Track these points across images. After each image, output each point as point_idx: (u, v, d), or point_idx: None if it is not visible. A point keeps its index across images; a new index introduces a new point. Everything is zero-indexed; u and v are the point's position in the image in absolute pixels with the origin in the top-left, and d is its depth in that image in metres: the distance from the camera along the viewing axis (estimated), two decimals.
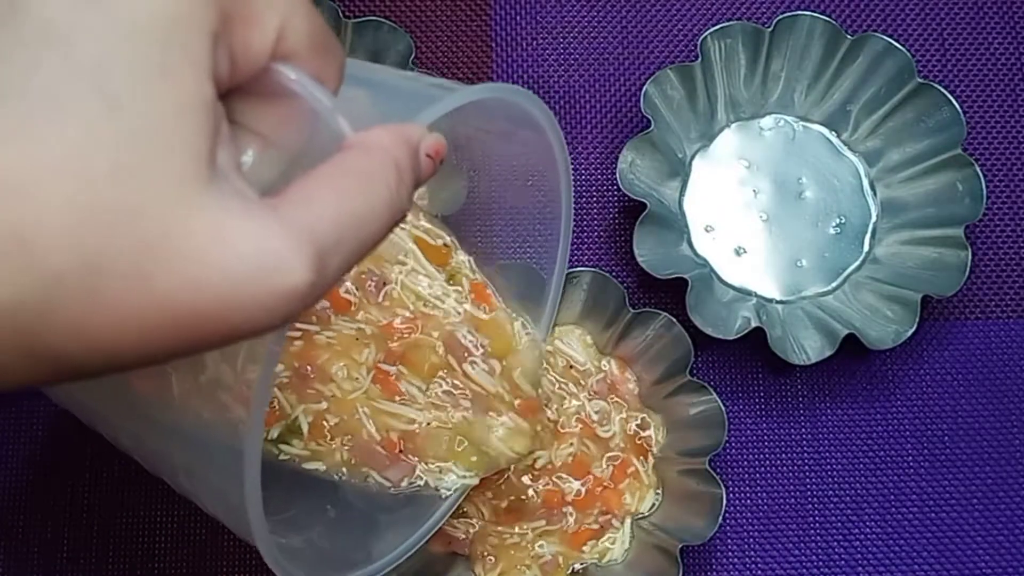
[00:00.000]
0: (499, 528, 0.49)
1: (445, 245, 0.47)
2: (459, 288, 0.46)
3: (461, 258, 0.47)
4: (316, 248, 0.23)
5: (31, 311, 0.21)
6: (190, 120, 0.22)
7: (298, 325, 0.42)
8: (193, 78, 0.22)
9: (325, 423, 0.41)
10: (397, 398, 0.43)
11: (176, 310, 0.22)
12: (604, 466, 0.50)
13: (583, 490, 0.49)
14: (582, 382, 0.51)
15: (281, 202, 0.23)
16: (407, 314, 0.44)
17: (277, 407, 0.41)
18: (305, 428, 0.41)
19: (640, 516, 0.49)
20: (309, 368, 0.41)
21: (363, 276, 0.44)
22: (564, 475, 0.49)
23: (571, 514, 0.49)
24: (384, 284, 0.44)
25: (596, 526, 0.49)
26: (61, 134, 0.21)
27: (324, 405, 0.42)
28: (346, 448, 0.42)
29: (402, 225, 0.43)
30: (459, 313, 0.45)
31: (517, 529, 0.49)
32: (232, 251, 0.22)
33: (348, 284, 0.43)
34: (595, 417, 0.50)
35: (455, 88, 0.34)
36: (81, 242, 0.21)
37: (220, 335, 0.23)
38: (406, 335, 0.44)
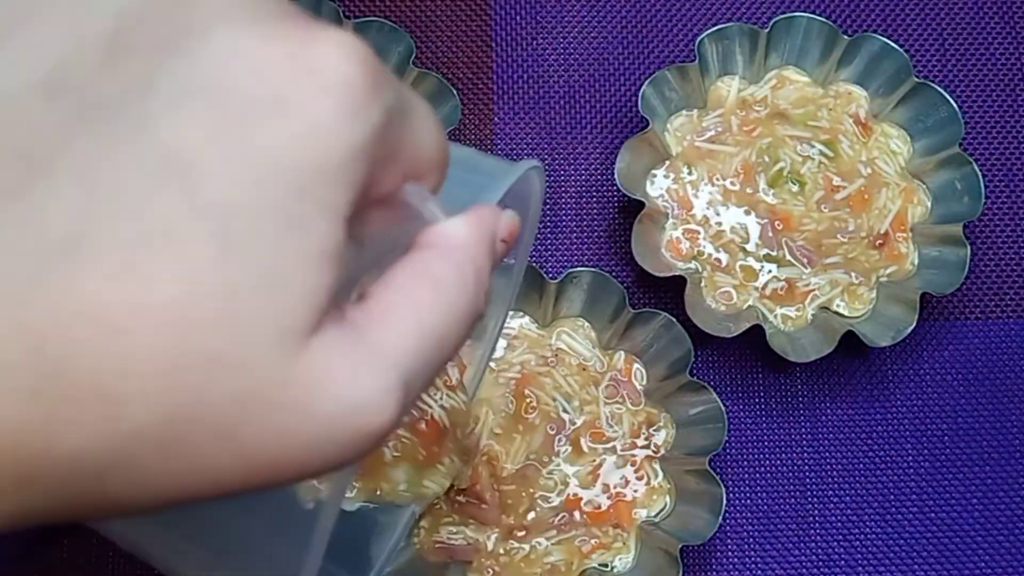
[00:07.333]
0: (509, 543, 0.49)
1: None
2: None
3: None
4: (404, 383, 0.21)
5: (98, 463, 0.19)
6: (314, 272, 0.20)
7: None
8: (326, 228, 0.20)
9: None
10: None
11: (259, 459, 0.20)
12: (618, 475, 0.49)
13: (601, 502, 0.49)
14: (599, 382, 0.51)
15: (364, 319, 0.22)
16: None
17: None
18: None
19: (647, 520, 0.49)
20: None
21: None
22: (579, 482, 0.49)
23: (583, 527, 0.49)
24: None
25: (608, 539, 0.49)
26: (170, 276, 0.18)
27: None
28: None
29: None
30: None
31: (526, 543, 0.48)
32: (328, 395, 0.20)
33: None
34: (606, 421, 0.50)
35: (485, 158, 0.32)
36: (168, 396, 0.19)
37: (291, 477, 0.21)
38: None
